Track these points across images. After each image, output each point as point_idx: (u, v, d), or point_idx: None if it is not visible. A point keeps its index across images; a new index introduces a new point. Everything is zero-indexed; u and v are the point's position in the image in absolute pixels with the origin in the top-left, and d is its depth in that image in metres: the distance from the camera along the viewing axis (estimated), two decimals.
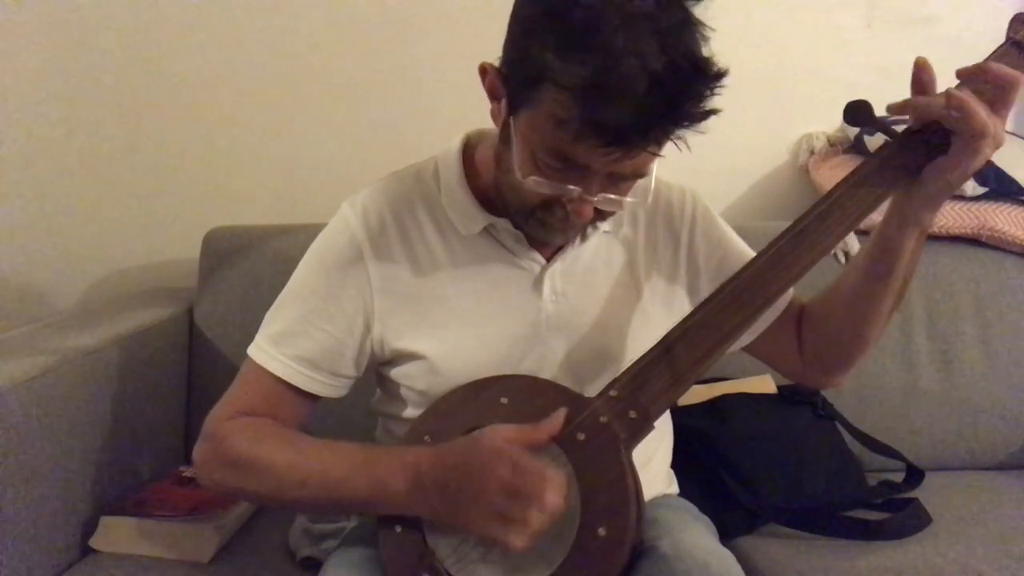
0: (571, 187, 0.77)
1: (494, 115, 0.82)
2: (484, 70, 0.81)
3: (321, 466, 0.82)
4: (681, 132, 0.73)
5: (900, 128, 0.84)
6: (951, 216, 1.41)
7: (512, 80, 0.77)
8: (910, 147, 0.81)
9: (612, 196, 0.79)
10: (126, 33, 1.56)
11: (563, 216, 0.81)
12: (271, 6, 1.57)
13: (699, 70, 0.70)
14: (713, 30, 0.73)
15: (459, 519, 0.76)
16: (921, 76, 0.80)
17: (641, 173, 0.79)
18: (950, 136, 0.78)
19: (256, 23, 1.57)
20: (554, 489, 0.73)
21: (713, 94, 0.71)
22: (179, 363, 1.39)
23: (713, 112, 0.72)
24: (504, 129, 0.80)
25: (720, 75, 0.71)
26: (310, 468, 0.82)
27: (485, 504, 0.73)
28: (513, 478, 0.72)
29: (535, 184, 0.77)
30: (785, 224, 0.87)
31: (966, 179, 0.80)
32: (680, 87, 0.69)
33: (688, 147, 0.74)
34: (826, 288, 0.96)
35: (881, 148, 0.83)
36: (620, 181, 0.79)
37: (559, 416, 0.78)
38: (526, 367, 0.89)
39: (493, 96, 0.81)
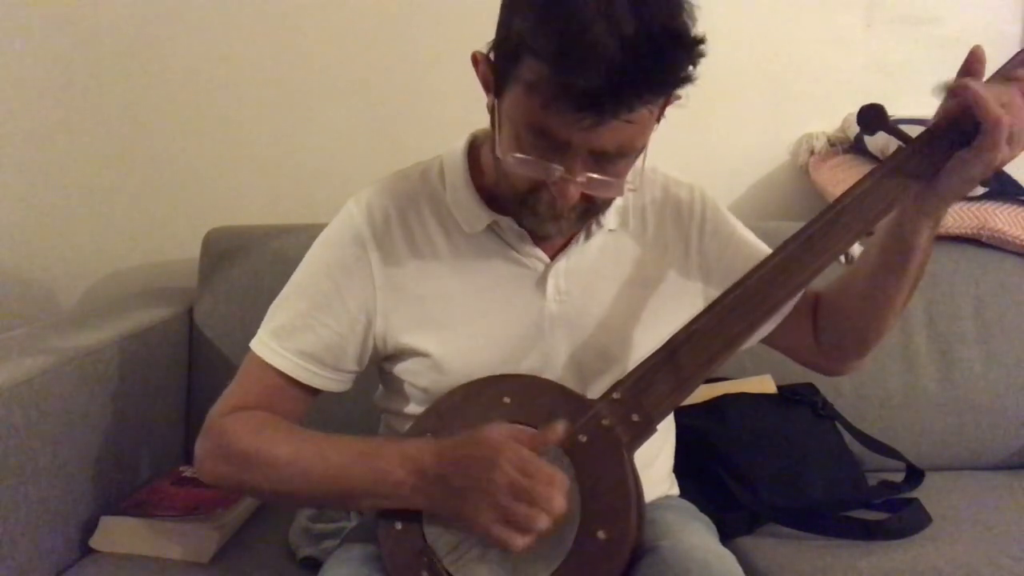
0: (553, 165, 0.76)
1: (489, 108, 0.82)
2: (476, 59, 0.81)
3: (322, 457, 0.82)
4: (654, 99, 0.72)
5: (914, 134, 0.84)
6: (951, 216, 1.41)
7: (497, 61, 0.77)
8: (923, 153, 0.81)
9: (596, 176, 0.77)
10: (126, 33, 1.56)
11: (549, 200, 0.80)
12: (271, 6, 1.57)
13: (672, 36, 0.70)
14: (698, 7, 0.72)
15: (461, 515, 0.76)
16: (972, 63, 0.80)
17: (625, 151, 0.77)
18: (972, 134, 0.77)
19: (256, 23, 1.57)
20: (561, 492, 0.73)
21: (690, 62, 0.71)
22: (179, 363, 1.39)
23: (687, 80, 0.72)
24: (492, 115, 0.81)
25: (696, 42, 0.71)
26: (311, 459, 0.82)
27: (490, 503, 0.73)
28: (521, 479, 0.72)
29: (516, 162, 0.77)
30: (785, 224, 0.87)
31: (988, 173, 0.79)
32: (652, 52, 0.69)
33: (664, 116, 0.74)
34: (840, 279, 0.96)
35: (894, 154, 0.83)
36: (605, 162, 0.77)
37: (559, 429, 0.77)
38: (528, 366, 0.89)
39: (486, 87, 0.82)
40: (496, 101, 0.79)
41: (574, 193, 0.78)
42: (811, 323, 0.98)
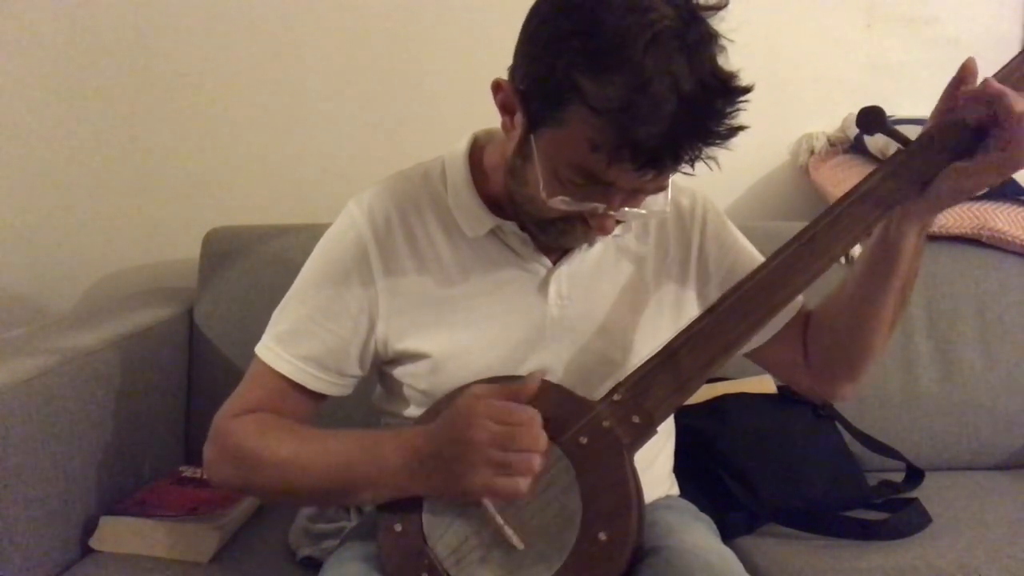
0: (596, 204, 0.78)
1: (506, 128, 0.82)
2: (499, 86, 0.80)
3: (325, 452, 0.83)
4: (711, 150, 0.74)
5: (913, 134, 0.83)
6: (951, 216, 1.41)
7: (533, 98, 0.76)
8: (922, 156, 0.81)
9: (634, 209, 0.80)
10: (126, 33, 1.56)
11: (584, 230, 0.82)
12: (271, 6, 1.57)
13: (726, 87, 0.71)
14: (731, 41, 0.73)
15: (459, 486, 0.76)
16: (965, 75, 0.80)
17: (663, 188, 0.79)
18: (974, 146, 0.77)
19: (256, 23, 1.57)
20: (540, 428, 0.75)
21: (739, 110, 0.72)
22: (179, 363, 1.39)
23: (741, 128, 0.72)
24: (521, 145, 0.80)
25: (746, 90, 0.72)
26: (313, 454, 0.83)
27: (481, 460, 0.74)
28: (500, 428, 0.74)
29: (561, 203, 0.78)
30: (785, 224, 0.87)
31: (980, 189, 0.79)
32: (709, 105, 0.70)
33: (719, 166, 0.75)
34: (830, 293, 0.96)
35: (893, 156, 0.83)
36: (641, 194, 0.80)
37: (536, 377, 0.79)
38: (529, 370, 0.88)
39: (506, 110, 0.81)
40: (529, 135, 0.78)
41: (612, 226, 0.81)
42: (801, 340, 0.98)
